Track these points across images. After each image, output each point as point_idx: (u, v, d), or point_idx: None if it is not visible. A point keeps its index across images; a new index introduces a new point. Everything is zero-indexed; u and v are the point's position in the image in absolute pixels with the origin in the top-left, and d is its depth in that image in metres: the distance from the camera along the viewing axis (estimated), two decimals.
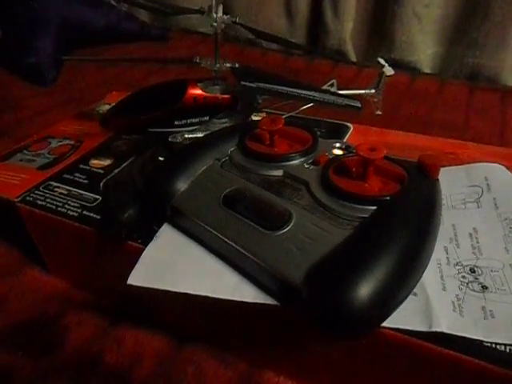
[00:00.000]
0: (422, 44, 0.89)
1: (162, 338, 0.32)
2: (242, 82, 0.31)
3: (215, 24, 0.32)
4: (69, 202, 0.32)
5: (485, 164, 0.33)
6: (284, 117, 0.31)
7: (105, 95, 0.50)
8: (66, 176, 0.35)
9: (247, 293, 0.24)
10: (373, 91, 0.39)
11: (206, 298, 0.24)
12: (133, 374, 0.30)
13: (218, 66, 0.34)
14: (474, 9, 0.82)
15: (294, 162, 0.29)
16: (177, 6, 0.43)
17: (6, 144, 0.44)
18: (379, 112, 0.40)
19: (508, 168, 0.32)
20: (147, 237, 0.28)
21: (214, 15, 0.32)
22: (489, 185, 0.31)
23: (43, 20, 0.79)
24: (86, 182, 0.34)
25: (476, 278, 0.24)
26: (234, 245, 0.25)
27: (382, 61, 0.39)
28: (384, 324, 0.22)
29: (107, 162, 0.36)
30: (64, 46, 0.80)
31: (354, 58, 0.95)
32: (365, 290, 0.20)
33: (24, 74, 0.75)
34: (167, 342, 0.32)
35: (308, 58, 0.89)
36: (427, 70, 0.90)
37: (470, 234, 0.28)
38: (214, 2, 0.31)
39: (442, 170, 0.33)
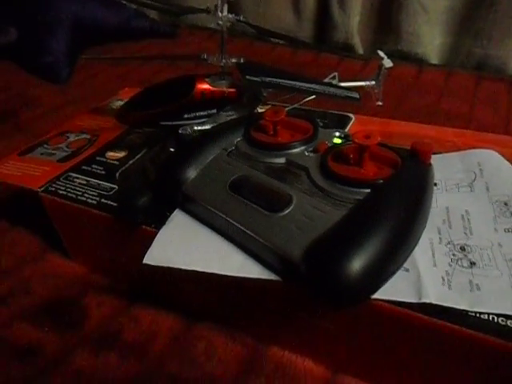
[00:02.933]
0: (429, 35, 0.89)
1: (175, 316, 0.35)
2: (247, 77, 0.33)
3: (221, 22, 0.34)
4: (88, 191, 0.35)
5: (479, 150, 0.34)
6: (288, 109, 0.33)
7: (117, 91, 0.53)
8: (84, 167, 0.38)
9: (252, 270, 0.26)
10: (373, 83, 0.41)
11: (215, 275, 0.26)
12: (148, 349, 0.33)
13: (224, 61, 0.36)
14: None
15: (295, 150, 0.31)
16: (183, 5, 0.45)
17: (24, 140, 0.47)
18: (380, 103, 0.41)
19: (502, 154, 0.34)
20: (160, 222, 0.30)
21: (220, 14, 0.34)
22: (482, 170, 0.32)
23: (57, 20, 0.82)
24: (102, 172, 0.37)
25: (465, 255, 0.26)
26: (239, 226, 0.27)
27: (381, 53, 0.41)
28: (377, 296, 0.24)
29: (122, 154, 0.39)
30: (77, 44, 0.83)
31: (361, 51, 0.96)
32: (357, 262, 0.22)
33: (39, 72, 0.78)
34: (180, 321, 0.34)
35: (315, 52, 0.91)
36: (434, 61, 0.91)
37: (462, 216, 0.29)
38: (219, 2, 0.33)
39: (438, 156, 0.35)
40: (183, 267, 0.27)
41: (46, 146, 0.43)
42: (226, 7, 0.34)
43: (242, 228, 0.27)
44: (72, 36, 0.87)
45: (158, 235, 0.29)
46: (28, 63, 0.83)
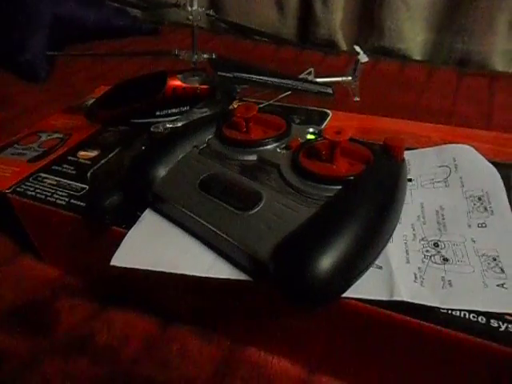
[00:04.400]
0: (411, 31, 0.89)
1: (149, 319, 0.34)
2: (219, 73, 0.33)
3: (191, 17, 0.33)
4: (57, 192, 0.34)
5: (454, 145, 0.34)
6: (263, 105, 0.32)
7: (94, 90, 0.51)
8: (54, 167, 0.37)
9: (222, 270, 0.25)
10: (349, 78, 0.40)
11: (185, 276, 0.26)
12: (121, 353, 0.32)
13: (196, 57, 0.35)
14: None
15: (267, 147, 0.30)
16: (155, 1, 0.44)
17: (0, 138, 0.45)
18: (357, 98, 0.41)
19: (478, 149, 0.34)
20: (131, 222, 0.29)
21: (189, 8, 0.33)
22: (456, 165, 0.32)
23: (34, 17, 0.80)
24: (73, 172, 0.36)
25: (438, 252, 0.26)
26: (209, 225, 0.26)
27: (357, 48, 0.40)
28: (348, 294, 0.23)
29: (94, 154, 0.38)
30: (55, 42, 0.81)
31: (344, 47, 0.96)
32: (325, 260, 0.21)
33: (16, 71, 0.76)
34: (154, 323, 0.34)
35: (299, 49, 0.90)
36: (417, 57, 0.91)
37: (437, 212, 0.29)
38: None
39: (413, 152, 0.34)
40: (151, 268, 0.26)
41: (16, 145, 0.41)
42: (195, 1, 0.33)
43: (212, 227, 0.26)
44: (51, 34, 0.85)
45: (126, 236, 0.28)
46: (5, 61, 0.81)
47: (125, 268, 0.27)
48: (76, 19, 0.89)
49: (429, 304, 0.23)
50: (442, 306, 0.23)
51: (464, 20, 0.84)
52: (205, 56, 0.35)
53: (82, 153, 0.38)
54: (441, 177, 0.32)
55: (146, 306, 0.35)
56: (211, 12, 0.34)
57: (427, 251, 0.26)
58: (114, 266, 0.27)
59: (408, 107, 0.66)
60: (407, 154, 0.29)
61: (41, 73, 0.76)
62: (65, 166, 0.37)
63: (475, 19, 0.83)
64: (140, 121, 0.35)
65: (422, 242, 0.27)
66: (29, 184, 0.35)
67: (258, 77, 0.32)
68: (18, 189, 0.35)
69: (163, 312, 0.34)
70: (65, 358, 0.32)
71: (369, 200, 0.24)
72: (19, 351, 0.32)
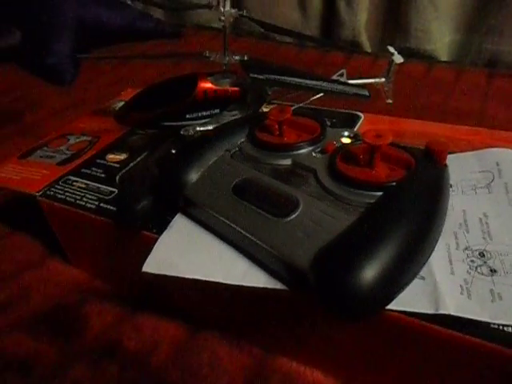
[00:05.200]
0: (439, 32, 0.87)
1: (179, 325, 0.33)
2: (251, 74, 0.32)
3: (223, 18, 0.33)
4: (87, 195, 0.34)
5: (496, 149, 0.32)
6: (294, 108, 0.31)
7: (121, 92, 0.51)
8: (83, 170, 0.37)
9: (257, 278, 0.25)
10: (383, 80, 0.39)
11: (218, 284, 0.25)
12: (150, 359, 0.31)
13: (227, 59, 0.34)
14: None
15: (302, 151, 0.29)
16: (185, 2, 0.44)
17: (27, 142, 0.45)
18: (390, 100, 0.40)
19: None
20: (161, 227, 0.29)
21: (222, 9, 0.32)
22: (500, 170, 0.31)
23: (60, 21, 0.81)
24: (102, 175, 0.36)
25: (485, 262, 0.25)
26: (243, 232, 0.25)
27: (391, 49, 0.39)
28: (391, 307, 0.22)
29: (123, 156, 0.37)
30: (81, 46, 0.82)
31: (368, 49, 0.94)
32: (368, 272, 0.20)
33: (43, 74, 0.77)
34: (183, 329, 0.33)
35: (322, 50, 0.89)
36: (444, 58, 0.89)
37: (480, 219, 0.28)
38: None
39: (453, 156, 0.33)
40: (184, 276, 0.25)
41: (45, 148, 0.42)
42: (228, 2, 0.32)
43: (246, 234, 0.25)
44: (76, 38, 0.86)
45: (157, 242, 0.28)
46: (32, 65, 0.82)
47: (156, 274, 0.26)
48: (101, 22, 0.90)
49: (478, 318, 0.21)
50: (493, 321, 0.21)
51: (493, 20, 0.82)
52: (236, 58, 0.34)
53: (110, 156, 0.38)
54: (483, 182, 0.30)
55: (175, 311, 0.34)
56: (244, 13, 0.33)
57: (472, 261, 0.25)
58: (144, 272, 0.26)
59: (436, 109, 0.65)
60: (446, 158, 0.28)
61: (67, 76, 0.77)
62: (94, 168, 0.37)
63: (505, 19, 0.81)
64: (170, 123, 0.35)
65: (467, 252, 0.25)
66: (58, 187, 0.35)
67: (292, 79, 0.32)
68: (47, 192, 0.34)
69: (193, 318, 0.33)
70: (94, 363, 0.31)
71: (413, 207, 0.23)
72: (48, 356, 0.32)
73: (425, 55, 0.88)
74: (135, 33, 0.95)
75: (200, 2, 0.34)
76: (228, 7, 0.32)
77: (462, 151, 0.34)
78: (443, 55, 0.89)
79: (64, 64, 0.78)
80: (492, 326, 0.21)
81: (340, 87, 0.32)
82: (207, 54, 0.35)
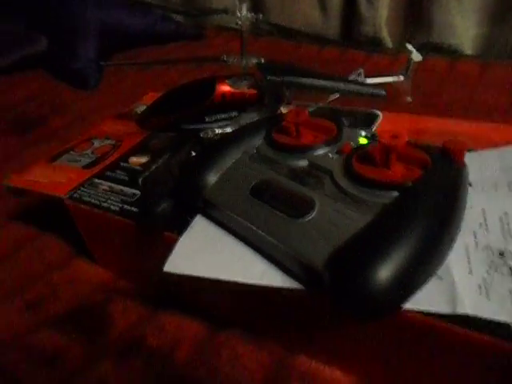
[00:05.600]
0: (463, 26, 0.85)
1: (200, 323, 0.34)
2: (268, 77, 0.32)
3: (240, 22, 0.33)
4: (111, 198, 0.35)
5: None
6: (312, 108, 0.31)
7: (143, 96, 0.53)
8: (108, 173, 0.38)
9: (274, 278, 0.25)
10: (401, 78, 0.39)
11: (237, 283, 0.25)
12: (173, 356, 0.32)
13: (244, 62, 0.35)
14: None
15: (318, 151, 0.29)
16: (203, 7, 0.45)
17: (54, 146, 0.47)
18: (409, 99, 0.39)
19: None
20: (182, 228, 0.30)
21: (238, 14, 0.33)
22: None
23: (84, 27, 0.84)
24: (126, 178, 0.37)
25: (505, 262, 0.24)
26: (261, 232, 0.26)
27: (409, 46, 0.38)
28: (408, 306, 0.22)
29: (145, 159, 0.39)
30: (104, 49, 0.84)
31: (390, 44, 0.93)
32: (384, 271, 0.20)
33: (68, 79, 0.80)
34: (204, 328, 0.34)
35: (342, 48, 0.88)
36: (469, 52, 0.87)
37: (501, 218, 0.27)
38: (237, 2, 0.32)
39: (473, 153, 0.32)
40: (204, 275, 0.26)
41: (72, 152, 0.43)
42: (244, 6, 0.33)
43: (264, 234, 0.26)
44: (100, 42, 0.88)
45: (178, 242, 0.28)
46: (58, 70, 0.85)
47: (177, 274, 0.27)
48: (123, 26, 0.92)
49: (497, 319, 0.21)
50: None
51: None
52: (253, 61, 0.35)
53: (133, 159, 0.39)
54: (505, 181, 0.30)
55: (197, 310, 0.35)
56: (261, 17, 0.33)
57: (492, 261, 0.24)
58: (165, 272, 0.27)
59: (462, 105, 0.63)
60: (466, 156, 0.27)
61: (91, 80, 0.79)
62: (117, 171, 0.38)
63: None
64: (190, 126, 0.35)
65: (486, 251, 0.25)
66: (84, 190, 0.36)
67: (308, 80, 0.32)
68: (74, 195, 0.36)
69: (214, 317, 0.34)
70: (118, 359, 0.32)
71: (429, 207, 0.23)
72: (74, 353, 0.33)
73: (448, 50, 0.86)
74: (157, 36, 0.97)
75: (218, 6, 0.35)
76: (244, 11, 0.33)
77: (483, 148, 0.33)
78: (468, 49, 0.87)
79: (88, 69, 0.81)
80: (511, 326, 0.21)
81: (356, 87, 0.32)
82: (225, 58, 0.35)
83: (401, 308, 0.22)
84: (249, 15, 0.33)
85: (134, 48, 0.91)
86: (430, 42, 0.87)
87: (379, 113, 0.40)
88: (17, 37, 0.87)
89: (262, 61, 0.35)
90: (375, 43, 0.93)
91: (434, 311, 0.22)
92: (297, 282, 0.25)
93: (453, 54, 0.85)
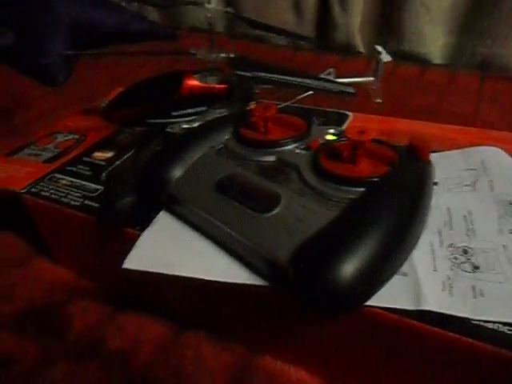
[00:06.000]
0: (432, 35, 0.88)
1: (163, 324, 0.33)
2: (238, 72, 0.32)
3: (209, 15, 0.32)
4: (71, 193, 0.33)
5: (482, 147, 0.32)
6: (282, 105, 0.31)
7: (111, 91, 0.51)
8: (69, 168, 0.36)
9: (238, 274, 0.24)
10: (371, 79, 0.39)
11: (200, 280, 0.25)
12: (134, 358, 0.31)
13: (213, 56, 0.34)
14: None
15: (286, 147, 0.29)
16: None
17: (17, 142, 0.45)
18: (379, 100, 0.40)
19: (506, 151, 0.32)
20: (145, 224, 0.29)
21: (207, 5, 0.32)
22: (485, 168, 0.31)
23: (54, 22, 0.81)
24: (88, 173, 0.35)
25: (468, 259, 0.24)
26: (225, 228, 0.25)
27: (379, 48, 0.39)
28: (372, 302, 0.22)
29: (109, 154, 0.37)
30: (74, 47, 0.82)
31: (363, 51, 0.95)
32: (348, 266, 0.20)
33: (36, 75, 0.77)
34: (167, 328, 0.33)
35: (316, 53, 0.89)
36: (438, 61, 0.89)
37: (465, 217, 0.27)
38: None
39: (439, 154, 0.33)
40: (164, 272, 0.25)
41: (33, 146, 0.41)
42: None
43: (228, 230, 0.25)
44: (70, 39, 0.86)
45: (139, 238, 0.27)
46: (25, 65, 0.82)
47: (138, 271, 0.26)
48: (95, 23, 0.89)
49: (459, 315, 0.21)
50: (474, 317, 0.21)
51: (487, 22, 0.82)
52: (223, 55, 0.34)
53: (97, 154, 0.38)
54: (468, 180, 0.30)
55: (159, 310, 0.34)
56: (230, 9, 0.33)
57: (455, 258, 0.25)
58: (126, 269, 0.26)
59: (430, 111, 0.65)
60: (432, 157, 0.28)
61: (60, 76, 0.77)
62: (79, 166, 0.36)
63: (498, 21, 0.81)
64: (156, 121, 0.35)
65: (450, 249, 0.25)
66: (43, 184, 0.35)
67: (278, 76, 0.31)
68: (32, 189, 0.34)
69: (177, 317, 0.33)
70: (76, 361, 0.31)
71: (394, 203, 0.23)
72: (30, 354, 0.32)
73: (418, 58, 0.88)
74: (130, 34, 0.95)
75: None
76: (214, 4, 0.32)
77: (449, 150, 0.34)
78: (436, 58, 0.89)
79: (57, 64, 0.78)
80: (473, 322, 0.21)
81: (326, 84, 0.32)
82: (193, 52, 0.35)
83: (365, 304, 0.22)
84: (218, 7, 0.33)
85: (106, 46, 0.89)
86: (401, 49, 0.89)
87: (349, 113, 0.40)
88: None
89: (232, 56, 0.34)
90: (348, 49, 0.94)
91: (398, 307, 0.22)
92: (261, 279, 0.24)
93: (423, 62, 0.87)
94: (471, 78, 0.77)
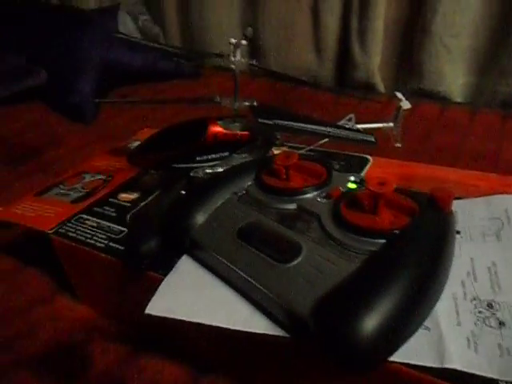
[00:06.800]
0: (452, 74, 0.88)
1: (181, 367, 0.33)
2: (260, 120, 0.33)
3: (233, 67, 0.34)
4: (97, 234, 0.34)
5: (505, 196, 0.32)
6: (303, 151, 0.32)
7: (137, 132, 0.53)
8: (95, 209, 0.37)
9: (258, 324, 0.24)
10: (391, 125, 0.39)
11: (220, 328, 0.25)
12: None
13: (237, 104, 0.35)
14: (504, 36, 0.82)
15: (307, 195, 0.29)
16: (200, 51, 0.46)
17: (46, 179, 0.47)
18: (399, 144, 0.40)
19: None
20: (168, 268, 0.29)
21: (232, 58, 0.34)
22: (509, 217, 0.30)
23: (84, 62, 0.86)
24: (114, 214, 0.36)
25: (493, 314, 0.24)
26: (246, 276, 0.25)
27: (399, 94, 0.40)
28: (394, 358, 0.21)
29: (134, 196, 0.38)
30: (104, 85, 0.86)
31: (382, 89, 0.96)
32: (369, 322, 0.20)
33: (66, 113, 0.80)
34: (186, 372, 0.33)
35: (336, 92, 0.91)
36: (458, 100, 0.89)
37: (489, 268, 0.27)
38: (232, 47, 0.33)
39: (462, 201, 0.33)
40: (186, 319, 0.25)
41: (61, 186, 0.43)
42: (238, 51, 0.34)
43: (249, 279, 0.25)
44: (99, 77, 0.90)
45: (162, 284, 0.28)
46: (56, 104, 0.86)
47: (159, 317, 0.26)
48: (123, 64, 0.94)
49: (485, 375, 0.21)
50: (501, 379, 0.21)
51: (507, 61, 0.83)
52: (246, 103, 0.36)
53: (122, 195, 0.39)
54: (492, 230, 0.30)
55: (179, 353, 0.34)
56: (254, 62, 0.34)
57: (480, 312, 0.24)
58: (147, 314, 0.26)
59: (451, 151, 0.64)
60: (454, 205, 0.28)
61: (88, 115, 0.80)
62: (106, 207, 0.38)
63: None
64: (181, 165, 0.36)
65: (474, 302, 0.25)
66: (70, 225, 0.36)
67: (299, 124, 0.32)
68: (60, 230, 0.35)
69: (196, 361, 0.33)
70: None
71: (416, 255, 0.23)
72: None
73: (438, 96, 0.88)
74: (156, 73, 0.99)
75: (214, 50, 0.36)
76: (239, 56, 0.34)
77: (470, 196, 0.34)
78: (457, 97, 0.89)
79: (86, 103, 0.82)
80: (500, 382, 0.20)
81: (345, 133, 0.33)
82: (218, 100, 0.36)
83: (387, 360, 0.21)
84: (243, 60, 0.34)
85: (134, 84, 0.93)
86: (421, 88, 0.90)
87: (369, 157, 0.41)
88: (17, 69, 0.89)
89: (255, 104, 0.36)
90: (368, 88, 0.95)
91: (421, 364, 0.21)
92: (281, 329, 0.24)
93: (443, 100, 0.87)
94: (492, 116, 0.77)
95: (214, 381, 0.32)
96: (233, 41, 0.33)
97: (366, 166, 0.39)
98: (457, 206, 0.31)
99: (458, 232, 0.30)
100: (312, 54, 1.02)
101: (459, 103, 0.88)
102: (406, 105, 0.38)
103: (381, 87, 0.96)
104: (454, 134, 0.70)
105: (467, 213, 0.31)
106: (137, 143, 0.48)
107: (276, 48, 1.03)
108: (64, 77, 0.85)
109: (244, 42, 0.33)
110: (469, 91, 0.89)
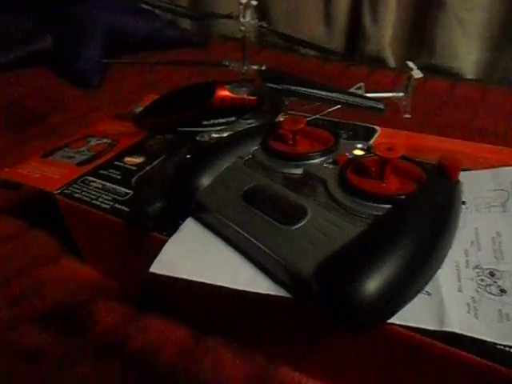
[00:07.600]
0: (465, 50, 0.86)
1: (184, 328, 0.34)
2: (268, 84, 0.32)
3: (243, 28, 0.33)
4: (102, 196, 0.34)
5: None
6: (310, 119, 0.31)
7: (143, 98, 0.53)
8: (101, 172, 0.37)
9: (261, 285, 0.25)
10: (401, 94, 0.39)
11: (223, 288, 0.25)
12: (154, 360, 0.32)
13: (245, 68, 0.35)
14: None
15: (314, 161, 0.29)
16: (207, 12, 0.45)
17: (51, 144, 0.47)
18: (408, 115, 0.39)
19: None
20: (172, 229, 0.29)
21: (242, 19, 0.33)
22: None
23: (90, 28, 0.84)
24: (119, 177, 0.37)
25: (495, 282, 0.24)
26: (250, 238, 0.26)
27: (410, 64, 0.39)
28: (395, 321, 0.22)
29: (140, 160, 0.38)
30: (109, 52, 0.85)
31: (393, 64, 0.94)
32: (373, 283, 0.20)
33: (71, 78, 0.80)
34: (188, 333, 0.33)
35: (345, 64, 0.89)
36: (470, 76, 0.88)
37: (493, 238, 0.27)
38: (241, 8, 0.32)
39: (468, 173, 0.32)
40: (189, 278, 0.26)
41: (67, 149, 0.43)
42: (248, 13, 0.33)
43: (253, 240, 0.25)
44: (104, 44, 0.89)
45: (166, 244, 0.28)
46: (61, 69, 0.85)
47: (163, 275, 0.26)
48: (129, 30, 0.92)
49: (484, 338, 0.21)
50: (499, 342, 0.21)
51: None
52: (254, 67, 0.35)
53: (128, 158, 0.39)
54: (498, 201, 0.30)
55: (181, 314, 0.34)
56: (264, 23, 0.34)
57: (482, 280, 0.24)
58: (152, 273, 0.27)
59: (460, 127, 0.63)
60: (461, 176, 0.27)
61: (94, 80, 0.80)
62: (111, 170, 0.38)
63: None
64: (186, 129, 0.35)
65: (477, 270, 0.25)
66: (76, 186, 0.36)
67: (308, 89, 0.32)
68: (65, 191, 0.35)
69: (199, 322, 0.34)
70: (98, 360, 0.32)
71: (421, 221, 0.23)
72: (55, 351, 0.33)
73: (450, 72, 0.87)
74: (162, 41, 0.98)
75: (223, 12, 0.35)
76: (248, 18, 0.33)
77: (479, 169, 0.33)
78: (469, 73, 0.87)
79: (91, 69, 0.81)
80: (498, 346, 0.21)
81: (355, 99, 0.32)
82: (226, 63, 0.35)
83: (388, 322, 0.22)
84: (252, 21, 0.33)
85: (139, 52, 0.92)
86: (432, 63, 0.88)
87: (378, 128, 0.40)
88: (23, 33, 0.87)
89: (263, 68, 0.35)
90: (379, 62, 0.93)
91: (421, 327, 0.22)
92: (284, 290, 0.24)
93: (454, 76, 0.85)
94: (504, 94, 0.75)
95: (215, 342, 0.33)
96: (243, 1, 0.33)
97: (373, 135, 0.39)
98: (464, 176, 0.31)
99: (464, 202, 0.30)
100: (322, 27, 1.00)
101: (471, 80, 0.86)
102: (417, 74, 0.38)
103: (391, 62, 0.94)
104: (464, 111, 0.69)
105: (474, 184, 0.31)
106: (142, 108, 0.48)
107: (285, 20, 1.01)
108: (70, 42, 0.84)
109: (254, 2, 0.33)
110: (481, 68, 0.87)
